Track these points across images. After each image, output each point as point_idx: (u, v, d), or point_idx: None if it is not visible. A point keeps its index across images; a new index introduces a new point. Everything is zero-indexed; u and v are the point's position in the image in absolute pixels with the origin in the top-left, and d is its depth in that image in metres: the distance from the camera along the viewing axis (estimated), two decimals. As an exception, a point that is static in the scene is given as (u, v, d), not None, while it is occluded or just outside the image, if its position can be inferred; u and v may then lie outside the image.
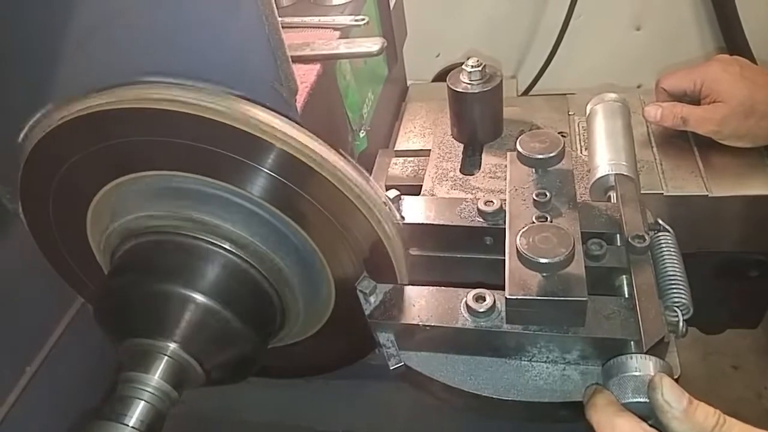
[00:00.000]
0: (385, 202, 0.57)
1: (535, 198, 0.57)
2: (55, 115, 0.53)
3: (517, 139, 0.60)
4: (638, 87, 1.13)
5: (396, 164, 0.81)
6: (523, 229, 0.50)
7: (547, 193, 0.57)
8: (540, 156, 0.58)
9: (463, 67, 0.75)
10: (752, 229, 0.72)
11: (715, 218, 0.71)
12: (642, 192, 0.67)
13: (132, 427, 0.46)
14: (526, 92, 1.17)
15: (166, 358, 0.51)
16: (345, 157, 0.54)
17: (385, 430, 0.82)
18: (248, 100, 0.51)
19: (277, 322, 0.59)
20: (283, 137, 0.50)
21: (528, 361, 0.55)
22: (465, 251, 0.62)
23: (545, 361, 0.54)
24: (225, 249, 0.54)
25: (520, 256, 0.49)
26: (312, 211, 0.54)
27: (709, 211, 0.71)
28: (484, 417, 0.59)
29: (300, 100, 0.59)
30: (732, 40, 1.03)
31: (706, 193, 0.70)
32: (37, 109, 0.54)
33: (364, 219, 0.55)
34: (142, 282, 0.53)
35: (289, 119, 0.52)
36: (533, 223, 0.53)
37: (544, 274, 0.50)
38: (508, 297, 0.50)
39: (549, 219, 0.54)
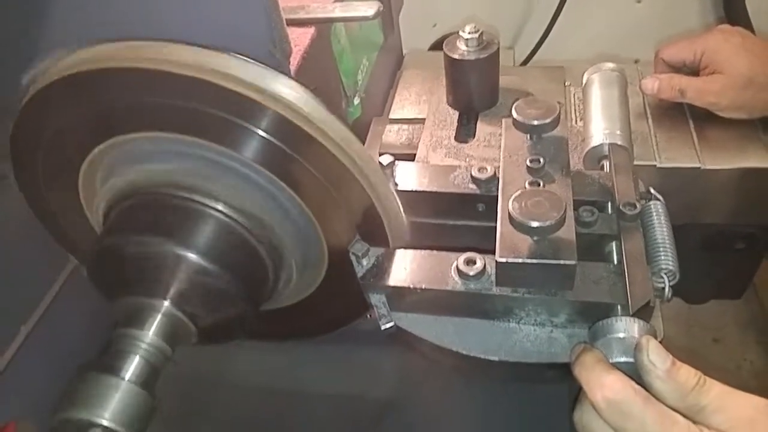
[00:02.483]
0: (378, 168, 0.58)
1: (528, 164, 0.57)
2: (42, 75, 0.53)
3: (512, 106, 0.61)
4: (636, 62, 1.13)
5: (390, 131, 0.81)
6: (516, 194, 0.50)
7: (541, 160, 0.57)
8: (535, 122, 0.58)
9: (460, 33, 0.75)
10: (742, 202, 0.72)
11: (707, 190, 0.72)
12: (635, 163, 0.68)
13: (128, 380, 0.47)
14: (524, 63, 1.16)
15: (159, 315, 0.51)
16: (339, 120, 0.53)
17: (374, 394, 0.84)
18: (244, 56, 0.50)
19: (269, 284, 0.60)
20: (277, 98, 0.50)
21: (516, 323, 0.55)
22: (458, 218, 0.63)
23: (533, 324, 0.55)
24: (218, 210, 0.54)
25: (512, 219, 0.49)
26: (305, 174, 0.54)
27: (701, 184, 0.72)
28: (472, 378, 0.60)
29: (293, 63, 0.58)
30: (732, 11, 1.02)
31: (699, 166, 0.71)
32: (25, 69, 0.54)
33: (358, 183, 0.55)
34: (136, 241, 0.53)
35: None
36: (526, 188, 0.54)
37: (535, 238, 0.50)
38: (498, 260, 0.50)
39: (542, 185, 0.55)
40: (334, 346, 0.81)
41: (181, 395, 0.82)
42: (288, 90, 0.51)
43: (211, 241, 0.54)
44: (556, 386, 0.53)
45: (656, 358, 0.44)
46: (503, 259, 0.50)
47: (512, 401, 0.71)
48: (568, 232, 0.50)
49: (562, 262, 0.49)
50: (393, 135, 0.81)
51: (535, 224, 0.48)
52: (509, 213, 0.49)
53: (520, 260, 0.50)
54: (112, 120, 0.54)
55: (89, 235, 0.64)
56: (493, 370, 0.54)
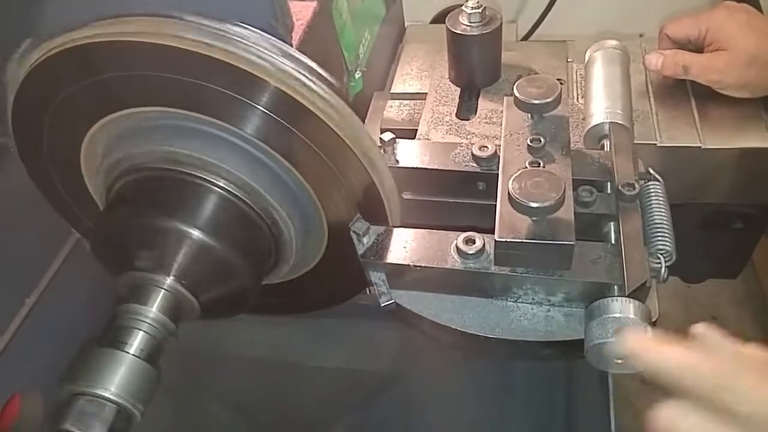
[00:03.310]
0: (379, 146, 0.58)
1: (529, 144, 0.57)
2: (40, 48, 0.52)
3: (514, 83, 0.60)
4: (640, 36, 1.11)
5: (392, 107, 0.81)
6: (516, 174, 0.50)
7: (542, 139, 0.57)
8: (536, 101, 0.58)
9: (463, 8, 0.74)
10: (742, 181, 0.72)
11: (707, 170, 0.72)
12: (636, 142, 0.68)
13: (132, 354, 0.48)
14: (526, 38, 1.14)
15: (163, 291, 0.52)
16: (341, 98, 0.53)
17: (373, 367, 0.85)
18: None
19: (271, 260, 0.60)
20: (276, 74, 0.50)
21: (514, 302, 0.56)
22: (458, 196, 0.63)
23: (531, 303, 0.56)
24: (220, 186, 0.55)
25: (512, 199, 0.49)
26: (307, 152, 0.54)
27: (701, 163, 0.72)
28: (470, 355, 0.61)
29: (295, 37, 0.58)
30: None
31: (699, 145, 0.71)
32: (20, 43, 0.53)
33: (358, 162, 0.55)
34: (139, 217, 0.54)
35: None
36: (526, 168, 0.54)
37: (534, 218, 0.51)
38: (497, 239, 0.51)
39: (542, 165, 0.55)
40: (335, 320, 0.83)
41: (185, 368, 0.84)
42: (289, 64, 0.50)
43: (213, 216, 0.54)
44: (553, 364, 0.54)
45: None
46: (502, 239, 0.51)
47: (510, 378, 0.72)
48: (566, 212, 0.51)
49: (560, 242, 0.50)
50: (394, 111, 0.80)
51: (534, 205, 0.48)
52: (509, 193, 0.49)
53: (518, 240, 0.50)
54: (113, 94, 0.54)
55: (92, 208, 0.64)
56: (491, 348, 0.55)
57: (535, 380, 0.72)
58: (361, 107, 0.79)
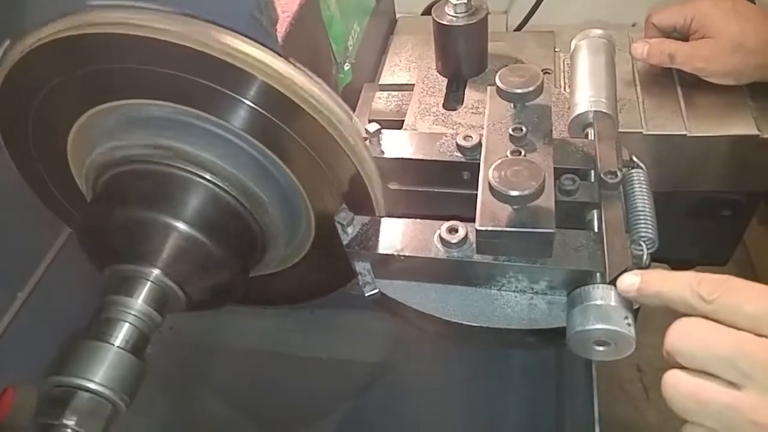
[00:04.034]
0: (365, 137, 0.58)
1: (511, 133, 0.57)
2: (19, 44, 0.52)
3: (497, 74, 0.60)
4: (633, 25, 1.11)
5: (380, 98, 0.81)
6: (496, 163, 0.51)
7: (523, 128, 0.57)
8: (518, 90, 0.58)
9: (449, -1, 0.74)
10: (729, 169, 0.73)
11: (693, 158, 0.72)
12: (621, 131, 0.68)
13: (118, 346, 0.49)
14: (518, 28, 1.14)
15: (149, 283, 0.53)
16: (325, 89, 0.54)
17: (366, 358, 0.86)
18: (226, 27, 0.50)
19: (257, 252, 0.61)
20: (263, 68, 0.50)
21: (497, 290, 0.57)
22: (443, 186, 0.63)
23: (514, 291, 0.56)
24: (206, 179, 0.55)
25: (492, 188, 0.50)
26: (292, 144, 0.55)
27: (688, 151, 0.72)
28: (456, 343, 0.62)
29: (281, 30, 0.58)
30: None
31: (685, 133, 0.71)
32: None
33: (344, 153, 0.56)
34: (125, 210, 0.54)
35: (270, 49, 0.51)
36: (507, 157, 0.54)
37: (515, 207, 0.51)
38: (478, 228, 0.51)
39: (523, 153, 0.55)
40: (328, 310, 0.83)
41: (179, 360, 0.84)
42: (271, 58, 0.51)
43: (199, 209, 0.55)
44: (537, 352, 0.54)
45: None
46: (483, 227, 0.51)
47: (502, 366, 0.73)
48: (547, 200, 0.51)
49: (540, 230, 0.50)
50: (383, 102, 0.80)
51: (513, 193, 0.48)
52: (489, 182, 0.50)
53: (499, 228, 0.51)
54: (99, 86, 0.54)
55: (81, 202, 0.65)
56: (476, 336, 0.56)
57: (527, 368, 0.72)
58: (350, 99, 0.79)
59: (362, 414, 0.84)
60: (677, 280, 0.45)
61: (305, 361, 0.88)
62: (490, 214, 0.52)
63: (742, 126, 0.71)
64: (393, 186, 0.66)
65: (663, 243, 0.55)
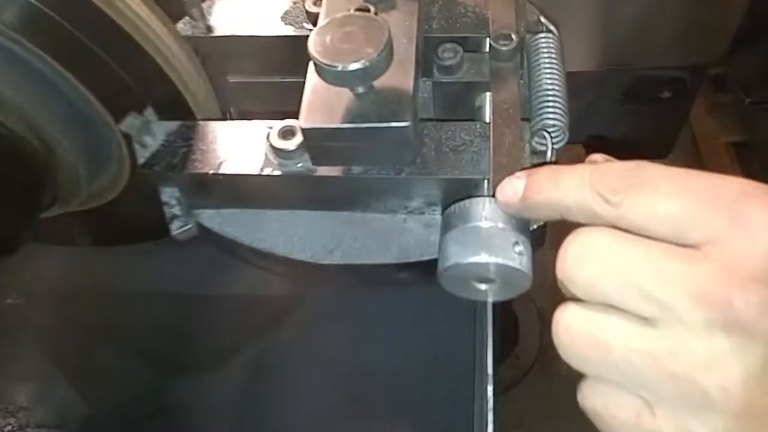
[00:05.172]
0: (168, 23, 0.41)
1: (363, -16, 0.40)
2: None
3: None
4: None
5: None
6: (321, 24, 0.34)
7: (380, -22, 0.40)
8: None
9: None
10: (673, 36, 0.56)
11: (632, 20, 0.55)
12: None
13: None
14: None
15: None
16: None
17: (275, 292, 0.74)
18: None
19: (46, 191, 0.46)
20: None
21: (361, 212, 0.41)
22: (293, 73, 0.46)
23: (382, 212, 0.41)
24: None
25: (316, 64, 0.33)
26: (79, 46, 0.40)
27: (626, 12, 0.55)
28: (308, 286, 0.47)
29: None
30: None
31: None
32: None
33: (143, 51, 0.41)
34: None
35: None
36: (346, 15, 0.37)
37: (359, 91, 0.35)
38: (302, 126, 0.35)
39: (372, 11, 0.38)
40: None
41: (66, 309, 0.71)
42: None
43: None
44: (409, 289, 0.40)
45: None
46: (309, 125, 0.35)
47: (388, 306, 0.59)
48: (402, 79, 0.34)
49: (389, 123, 0.34)
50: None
51: (340, 67, 0.32)
52: (310, 54, 0.33)
53: (332, 126, 0.34)
54: None
55: None
56: (327, 276, 0.41)
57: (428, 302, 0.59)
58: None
59: (271, 351, 0.74)
60: (572, 177, 0.29)
61: (212, 300, 0.76)
62: (323, 104, 0.35)
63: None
64: (233, 79, 0.49)
65: (595, 134, 0.39)
